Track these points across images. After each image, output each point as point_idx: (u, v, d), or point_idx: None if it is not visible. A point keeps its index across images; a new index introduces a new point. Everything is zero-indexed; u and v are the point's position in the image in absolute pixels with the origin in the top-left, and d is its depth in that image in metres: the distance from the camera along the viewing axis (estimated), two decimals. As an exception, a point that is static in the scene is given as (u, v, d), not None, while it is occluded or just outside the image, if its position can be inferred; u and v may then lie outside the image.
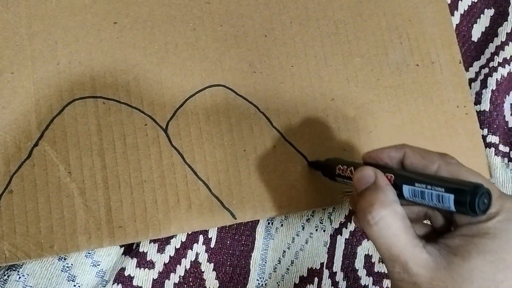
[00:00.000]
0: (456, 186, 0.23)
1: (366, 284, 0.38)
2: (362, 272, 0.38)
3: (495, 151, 0.40)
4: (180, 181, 0.34)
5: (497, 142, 0.41)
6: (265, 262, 0.37)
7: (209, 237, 0.36)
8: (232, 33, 0.37)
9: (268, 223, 0.37)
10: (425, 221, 0.28)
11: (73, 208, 0.32)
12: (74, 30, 0.35)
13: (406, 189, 0.25)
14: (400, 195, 0.25)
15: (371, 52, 0.39)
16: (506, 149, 0.42)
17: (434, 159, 0.26)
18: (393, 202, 0.24)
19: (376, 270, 0.38)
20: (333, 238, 0.38)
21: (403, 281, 0.23)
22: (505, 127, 0.42)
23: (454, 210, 0.23)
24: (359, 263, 0.38)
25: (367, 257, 0.38)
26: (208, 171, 0.35)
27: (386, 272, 0.38)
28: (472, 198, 0.22)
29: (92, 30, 0.36)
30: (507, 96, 0.43)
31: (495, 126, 0.41)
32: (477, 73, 0.44)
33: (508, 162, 0.41)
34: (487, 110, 0.42)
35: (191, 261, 0.35)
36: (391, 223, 0.23)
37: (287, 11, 0.39)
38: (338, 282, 0.37)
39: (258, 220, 0.37)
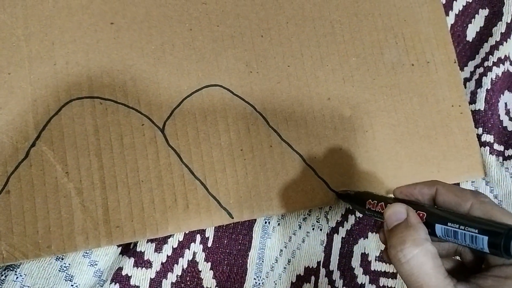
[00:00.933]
0: (490, 228, 0.23)
1: (363, 283, 0.38)
2: (358, 271, 0.38)
3: (490, 150, 0.41)
4: (177, 181, 0.34)
5: (492, 141, 0.41)
6: (262, 261, 0.37)
7: (206, 236, 0.36)
8: (229, 33, 0.38)
9: (265, 222, 0.38)
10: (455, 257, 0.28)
11: (70, 208, 0.32)
12: (71, 31, 0.36)
13: (439, 228, 0.25)
14: (432, 233, 0.25)
15: (366, 52, 0.40)
16: (501, 148, 0.42)
17: (467, 197, 0.26)
18: (425, 240, 0.24)
19: (372, 268, 0.38)
20: (330, 237, 0.38)
21: None
22: (500, 126, 0.43)
23: (487, 251, 0.23)
24: (355, 262, 0.38)
25: (364, 256, 0.38)
26: (205, 170, 0.35)
27: (382, 270, 0.38)
28: (506, 241, 0.22)
29: (89, 30, 0.36)
30: (501, 95, 0.44)
31: (490, 125, 0.42)
32: (472, 73, 0.44)
33: (503, 161, 0.41)
34: (482, 109, 0.42)
35: (188, 260, 0.35)
36: (423, 262, 0.23)
37: (283, 11, 0.39)
38: (335, 280, 0.38)
39: (255, 219, 0.37)
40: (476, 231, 0.23)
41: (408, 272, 0.24)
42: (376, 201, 0.30)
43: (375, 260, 0.39)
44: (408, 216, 0.26)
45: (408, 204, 0.27)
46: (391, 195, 0.31)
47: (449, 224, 0.24)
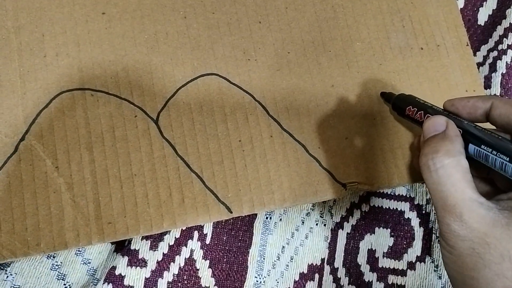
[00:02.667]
0: None
1: (370, 280, 0.36)
2: (365, 268, 0.36)
3: (507, 137, 0.38)
4: (172, 174, 0.32)
5: (509, 128, 0.39)
6: (263, 259, 0.35)
7: (204, 233, 0.34)
8: (225, 20, 0.36)
9: (266, 218, 0.36)
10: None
11: (60, 204, 0.31)
12: (61, 22, 0.34)
13: (472, 148, 0.25)
14: (465, 150, 0.25)
15: (372, 37, 0.38)
16: (519, 136, 0.39)
17: None
18: (459, 153, 0.24)
19: (380, 265, 0.36)
20: (334, 233, 0.36)
21: (452, 233, 0.23)
22: (517, 113, 0.40)
23: None
24: (361, 258, 0.36)
25: (371, 252, 0.36)
26: (202, 163, 0.33)
27: (391, 267, 0.36)
28: None
29: (79, 21, 0.35)
30: (518, 79, 0.41)
31: (506, 111, 0.39)
32: (485, 57, 0.42)
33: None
34: (498, 94, 0.39)
35: (185, 258, 0.34)
36: (452, 173, 0.23)
37: (282, -4, 0.37)
38: (340, 278, 0.36)
39: (256, 215, 0.36)
40: (508, 159, 0.23)
41: (435, 180, 0.23)
42: (416, 109, 0.30)
43: (383, 256, 0.36)
44: (447, 128, 0.26)
45: (450, 119, 0.26)
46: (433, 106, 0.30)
47: (482, 146, 0.24)
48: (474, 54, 0.42)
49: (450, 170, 0.23)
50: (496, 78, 0.40)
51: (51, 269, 0.32)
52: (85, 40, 0.34)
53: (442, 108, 0.29)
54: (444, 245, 0.24)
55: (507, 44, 0.41)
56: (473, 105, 0.27)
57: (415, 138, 0.35)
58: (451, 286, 0.36)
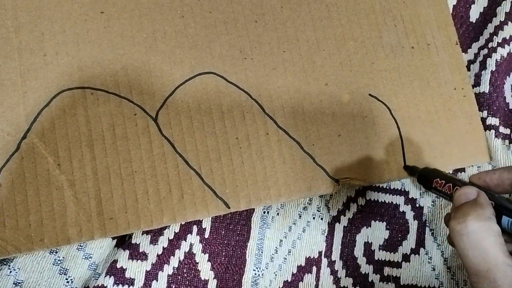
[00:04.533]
0: None
1: (367, 273, 0.37)
2: (362, 260, 0.37)
3: (495, 133, 0.39)
4: (171, 171, 0.33)
5: (497, 124, 0.40)
6: (262, 252, 0.36)
7: (203, 227, 0.35)
8: (222, 19, 0.37)
9: (264, 212, 0.37)
10: None
11: (63, 201, 0.32)
12: (60, 21, 0.35)
13: (506, 220, 0.25)
14: (499, 224, 0.25)
15: (364, 36, 0.39)
16: (507, 131, 0.40)
17: None
18: (490, 218, 0.24)
19: (376, 257, 0.37)
20: (331, 226, 0.37)
21: None
22: (506, 109, 0.41)
23: None
24: (358, 251, 0.37)
25: (367, 245, 0.37)
26: (200, 160, 0.34)
27: (387, 259, 0.37)
28: None
29: (79, 20, 0.35)
30: (507, 77, 0.42)
31: (495, 108, 0.40)
32: (476, 55, 0.43)
33: (509, 144, 0.40)
34: (487, 91, 0.40)
35: (185, 252, 0.35)
36: (484, 237, 0.23)
37: (278, -5, 0.38)
38: (337, 271, 0.37)
39: (254, 209, 0.37)
40: None
41: (466, 245, 0.23)
42: (444, 181, 0.30)
43: (379, 249, 0.37)
44: (478, 196, 0.26)
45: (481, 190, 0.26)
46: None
47: None
48: (466, 52, 0.43)
49: (482, 234, 0.23)
50: (486, 76, 0.41)
51: (54, 264, 0.33)
52: (84, 39, 0.35)
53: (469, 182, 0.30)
54: None
55: (497, 42, 0.42)
56: (499, 176, 0.27)
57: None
58: (443, 277, 0.37)
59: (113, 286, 0.32)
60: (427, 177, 0.32)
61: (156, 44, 0.35)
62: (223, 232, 0.36)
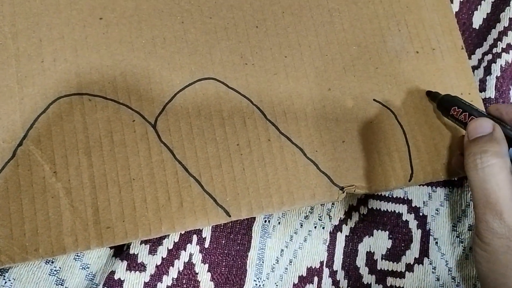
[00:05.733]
0: None
1: (369, 283, 0.36)
2: (364, 270, 0.36)
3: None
4: (170, 178, 0.33)
5: (504, 130, 0.39)
6: (263, 262, 0.35)
7: (203, 236, 0.34)
8: (222, 25, 0.36)
9: (265, 221, 0.36)
10: None
11: (58, 209, 0.31)
12: (59, 27, 0.34)
13: None
14: None
15: (368, 41, 0.38)
16: (514, 138, 0.40)
17: None
18: (506, 155, 0.25)
19: (379, 267, 0.36)
20: (333, 236, 0.36)
21: (490, 230, 0.24)
22: (512, 115, 0.40)
23: None
24: (360, 261, 0.36)
25: (369, 254, 0.36)
26: (200, 167, 0.33)
27: (389, 269, 0.36)
28: None
29: (77, 26, 0.35)
30: (513, 82, 0.41)
31: (501, 114, 0.39)
32: (480, 60, 0.42)
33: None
34: (493, 97, 0.40)
35: (184, 262, 0.34)
36: (498, 172, 0.24)
37: (279, 1, 0.37)
38: (339, 281, 0.36)
39: (254, 218, 0.36)
40: None
41: (480, 178, 0.24)
42: (461, 110, 0.31)
43: (382, 258, 0.36)
44: (494, 130, 0.27)
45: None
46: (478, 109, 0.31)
47: None
48: (469, 57, 0.42)
49: (497, 169, 0.24)
50: (491, 81, 0.40)
51: (50, 274, 0.32)
52: (82, 45, 0.34)
53: (486, 112, 0.31)
54: (478, 242, 0.25)
55: (502, 48, 0.41)
56: None
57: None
58: (448, 287, 0.36)
59: (110, 297, 0.32)
60: (446, 104, 0.33)
61: (155, 50, 0.35)
62: (223, 241, 0.35)
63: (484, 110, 0.34)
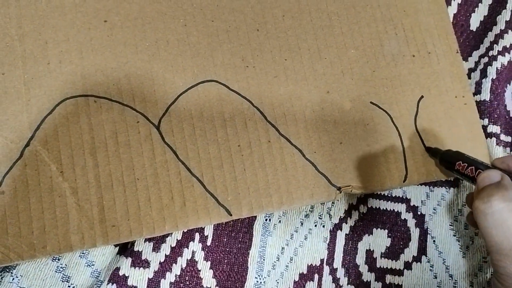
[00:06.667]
0: None
1: (368, 280, 0.37)
2: (363, 268, 0.37)
3: (496, 141, 0.39)
4: (173, 178, 0.33)
5: (499, 132, 0.40)
6: (263, 260, 0.36)
7: (205, 235, 0.35)
8: (224, 28, 0.37)
9: (266, 220, 0.37)
10: None
11: (65, 208, 0.32)
12: (64, 30, 0.35)
13: None
14: None
15: (366, 44, 0.39)
16: (508, 139, 0.41)
17: None
18: None
19: (378, 265, 0.37)
20: (333, 234, 0.37)
21: (508, 275, 0.24)
22: (507, 117, 0.41)
23: None
24: (360, 259, 0.37)
25: (369, 253, 0.37)
26: (202, 167, 0.34)
27: (389, 267, 0.37)
28: None
29: (82, 29, 0.35)
30: (508, 85, 0.42)
31: (496, 116, 0.40)
32: (477, 63, 0.43)
33: (511, 151, 0.40)
34: (488, 99, 0.41)
35: (187, 259, 0.35)
36: (508, 217, 0.23)
37: (279, 4, 0.38)
38: (339, 278, 0.37)
39: (255, 217, 0.37)
40: None
41: (490, 224, 0.24)
42: (466, 164, 0.32)
43: (381, 256, 0.37)
44: (502, 179, 0.26)
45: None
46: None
47: None
48: (466, 60, 0.43)
49: (506, 214, 0.24)
50: (486, 84, 0.41)
51: (56, 271, 0.33)
52: (87, 48, 0.35)
53: (491, 165, 0.31)
54: (498, 285, 0.25)
55: (498, 50, 0.42)
56: None
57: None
58: (446, 285, 0.37)
59: (115, 293, 0.32)
60: (449, 159, 0.34)
61: (159, 53, 0.36)
62: (225, 239, 0.36)
63: (489, 163, 0.34)
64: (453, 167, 0.33)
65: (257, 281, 0.36)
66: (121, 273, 0.33)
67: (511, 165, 0.29)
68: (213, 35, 0.37)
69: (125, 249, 0.34)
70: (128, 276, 0.33)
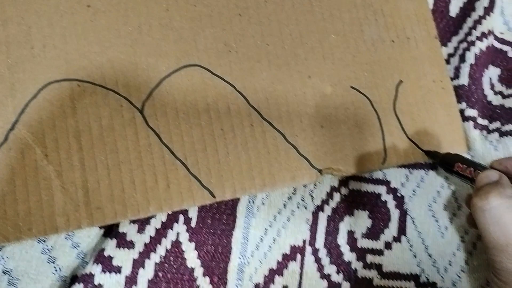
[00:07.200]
0: None
1: (350, 260, 0.38)
2: (345, 248, 0.38)
3: (473, 124, 0.40)
4: (157, 162, 0.34)
5: (476, 115, 0.41)
6: (247, 241, 0.37)
7: (190, 216, 0.36)
8: (206, 13, 0.37)
9: (249, 202, 0.38)
10: None
11: (50, 191, 0.32)
12: (47, 14, 0.35)
13: None
14: None
15: (346, 30, 0.40)
16: (485, 122, 0.42)
17: None
18: (510, 197, 0.25)
19: (359, 245, 0.38)
20: (315, 215, 0.38)
21: (505, 270, 0.24)
22: (484, 101, 0.43)
23: None
24: (342, 239, 0.38)
25: (350, 233, 0.38)
26: (186, 150, 0.35)
27: (369, 247, 0.38)
28: None
29: (65, 13, 0.36)
30: (486, 70, 0.43)
31: (473, 100, 0.41)
32: (456, 48, 0.44)
33: (487, 134, 0.41)
34: (466, 84, 0.42)
35: (171, 241, 0.35)
36: (505, 213, 0.24)
37: (262, -10, 0.39)
38: (321, 258, 0.38)
39: (239, 199, 0.37)
40: None
41: (487, 220, 0.24)
42: (465, 166, 0.33)
43: (362, 237, 0.38)
44: (501, 178, 0.27)
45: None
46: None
47: None
48: (446, 45, 0.44)
49: (503, 210, 0.24)
50: (465, 69, 0.42)
51: (42, 253, 0.33)
52: (71, 32, 0.35)
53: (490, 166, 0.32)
54: (496, 280, 0.25)
55: (476, 36, 0.43)
56: None
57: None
58: (424, 264, 0.38)
59: (100, 274, 0.33)
60: (449, 162, 0.35)
61: (142, 37, 0.36)
62: (209, 221, 0.36)
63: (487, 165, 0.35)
64: (453, 168, 0.35)
65: (241, 262, 0.36)
66: (106, 253, 0.33)
67: (509, 166, 0.29)
68: (196, 20, 0.37)
69: (110, 231, 0.35)
70: (113, 256, 0.33)
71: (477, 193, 0.26)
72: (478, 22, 0.44)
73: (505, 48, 0.45)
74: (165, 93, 0.35)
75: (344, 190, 0.39)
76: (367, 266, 0.38)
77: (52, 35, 0.35)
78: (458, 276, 0.38)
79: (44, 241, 0.33)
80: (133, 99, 0.35)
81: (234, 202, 0.37)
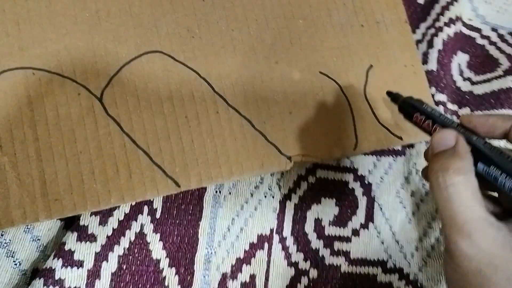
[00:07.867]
0: None
1: (317, 248, 0.38)
2: (312, 236, 0.38)
3: (444, 109, 0.40)
4: (118, 151, 0.33)
5: (446, 100, 0.41)
6: (214, 231, 0.36)
7: (154, 207, 0.35)
8: (168, -2, 0.36)
9: (216, 192, 0.37)
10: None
11: (5, 183, 0.31)
12: (0, 1, 0.34)
13: (481, 166, 0.24)
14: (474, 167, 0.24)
15: (314, 14, 0.39)
16: (455, 107, 0.42)
17: None
18: (469, 171, 0.24)
19: (326, 233, 0.38)
20: (282, 204, 0.38)
21: (459, 251, 0.23)
22: (453, 86, 0.43)
23: None
24: (309, 227, 0.38)
25: (317, 221, 0.38)
26: (148, 139, 0.34)
27: (337, 235, 0.38)
28: None
29: (19, 0, 0.34)
30: (454, 56, 0.43)
31: (442, 85, 0.41)
32: (424, 34, 0.44)
33: (457, 119, 0.41)
34: (435, 69, 0.42)
35: (135, 232, 0.35)
36: (462, 191, 0.23)
37: (226, -26, 0.38)
38: (289, 247, 0.37)
39: (206, 189, 0.37)
40: None
41: (445, 198, 0.23)
42: (424, 117, 0.29)
43: (329, 224, 0.38)
44: (457, 144, 0.25)
45: (460, 133, 0.26)
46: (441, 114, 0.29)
47: (491, 167, 0.24)
48: (414, 32, 0.44)
49: (460, 188, 0.23)
50: (433, 54, 0.42)
51: (0, 247, 0.32)
52: (25, 19, 0.34)
53: (458, 121, 0.29)
54: (449, 262, 0.24)
55: (444, 22, 0.43)
56: (493, 124, 0.26)
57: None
58: (392, 250, 0.38)
59: (61, 268, 0.32)
60: (408, 108, 0.31)
61: (100, 23, 0.35)
62: (175, 212, 0.36)
63: (443, 113, 0.31)
64: (412, 117, 0.30)
65: (208, 252, 0.36)
66: (67, 247, 0.32)
67: (478, 126, 0.27)
68: (156, 5, 0.36)
69: (71, 224, 0.34)
70: (74, 250, 0.33)
71: (434, 167, 0.24)
72: (445, 8, 0.44)
73: (473, 34, 0.45)
74: (125, 81, 0.34)
75: (311, 179, 0.39)
76: (334, 253, 0.38)
77: (4, 22, 0.33)
78: (425, 261, 0.38)
79: (2, 234, 0.32)
80: (91, 87, 0.33)
81: (201, 192, 0.37)
